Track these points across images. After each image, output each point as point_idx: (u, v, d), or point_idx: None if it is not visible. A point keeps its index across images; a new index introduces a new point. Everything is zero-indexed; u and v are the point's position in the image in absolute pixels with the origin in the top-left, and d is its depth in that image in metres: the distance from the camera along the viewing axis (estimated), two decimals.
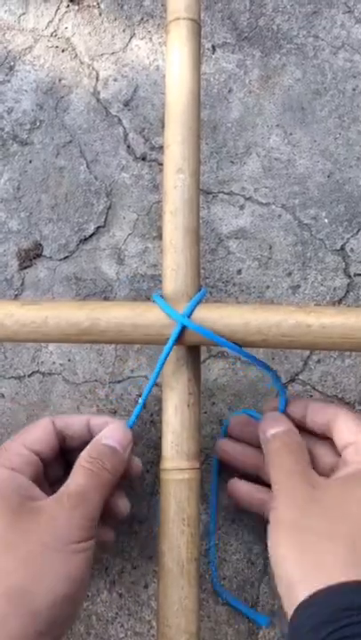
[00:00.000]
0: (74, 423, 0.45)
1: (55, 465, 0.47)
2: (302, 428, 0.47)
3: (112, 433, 0.44)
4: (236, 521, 0.56)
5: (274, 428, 0.45)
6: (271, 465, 0.44)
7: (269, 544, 0.40)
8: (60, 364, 0.60)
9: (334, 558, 0.35)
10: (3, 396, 0.60)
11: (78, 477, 0.41)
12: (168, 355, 0.45)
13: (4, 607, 0.34)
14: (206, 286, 0.60)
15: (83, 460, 0.42)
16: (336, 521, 0.37)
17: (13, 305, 0.45)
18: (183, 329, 0.44)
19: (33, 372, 0.60)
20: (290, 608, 0.36)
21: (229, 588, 0.55)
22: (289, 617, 0.36)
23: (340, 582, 0.33)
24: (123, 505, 0.47)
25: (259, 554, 0.55)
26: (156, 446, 0.56)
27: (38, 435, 0.43)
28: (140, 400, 0.47)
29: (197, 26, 0.51)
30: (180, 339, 0.44)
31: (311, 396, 0.58)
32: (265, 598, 0.55)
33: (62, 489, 0.40)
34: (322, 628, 0.32)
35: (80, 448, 0.44)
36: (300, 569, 0.36)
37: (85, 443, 0.44)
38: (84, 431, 0.45)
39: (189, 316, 0.44)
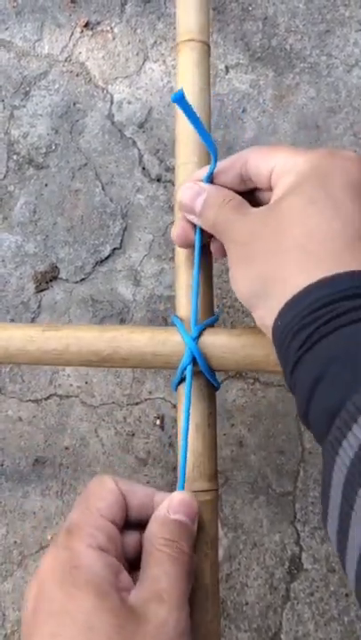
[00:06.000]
0: (138, 491, 0.37)
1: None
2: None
3: (180, 505, 0.37)
4: (257, 545, 0.55)
5: (199, 198, 0.40)
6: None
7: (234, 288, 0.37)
8: (78, 387, 0.60)
9: (292, 267, 0.32)
10: (20, 419, 0.59)
11: (163, 567, 0.34)
12: (191, 386, 0.44)
13: None
14: (223, 306, 0.60)
15: (157, 543, 0.34)
16: (279, 236, 0.34)
17: (34, 330, 0.45)
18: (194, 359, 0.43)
19: (50, 395, 0.60)
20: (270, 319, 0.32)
21: (251, 614, 0.53)
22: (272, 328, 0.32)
23: (311, 283, 0.30)
24: None
25: (281, 579, 0.54)
26: (175, 468, 0.56)
27: (111, 500, 0.35)
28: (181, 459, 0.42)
29: (207, 47, 0.51)
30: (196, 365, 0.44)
31: None
32: (288, 624, 0.53)
33: (149, 583, 0.33)
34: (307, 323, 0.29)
35: (133, 524, 0.37)
36: (265, 284, 0.33)
37: (143, 519, 0.37)
38: (149, 505, 0.37)
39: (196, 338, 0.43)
